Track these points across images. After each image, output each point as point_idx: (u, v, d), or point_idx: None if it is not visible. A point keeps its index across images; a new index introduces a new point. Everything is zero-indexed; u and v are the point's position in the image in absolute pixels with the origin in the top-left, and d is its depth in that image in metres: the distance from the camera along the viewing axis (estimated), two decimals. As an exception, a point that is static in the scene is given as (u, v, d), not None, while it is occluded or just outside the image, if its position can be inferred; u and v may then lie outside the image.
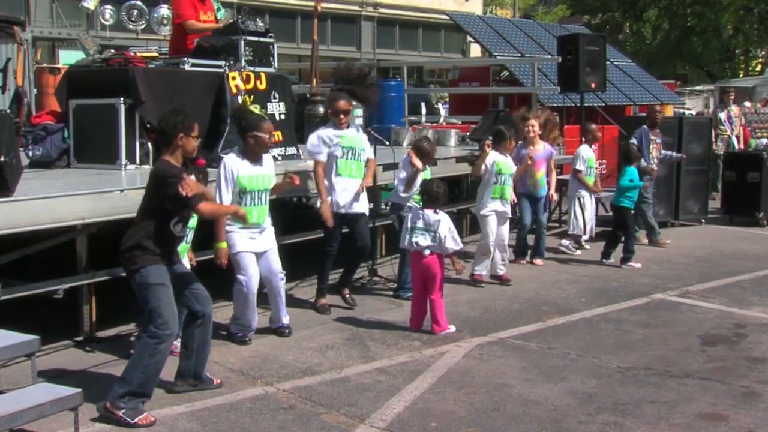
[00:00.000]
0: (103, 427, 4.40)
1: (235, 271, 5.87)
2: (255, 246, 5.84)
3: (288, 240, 6.96)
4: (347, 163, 6.63)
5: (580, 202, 9.10)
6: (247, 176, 5.71)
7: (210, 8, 7.85)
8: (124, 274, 5.64)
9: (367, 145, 6.91)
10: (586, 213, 9.14)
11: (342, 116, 6.63)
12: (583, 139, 9.48)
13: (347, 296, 6.97)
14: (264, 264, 5.92)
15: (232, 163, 5.73)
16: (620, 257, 8.63)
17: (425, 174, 7.09)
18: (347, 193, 6.64)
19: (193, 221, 5.35)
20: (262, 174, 5.81)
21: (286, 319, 6.17)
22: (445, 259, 6.36)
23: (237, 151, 5.85)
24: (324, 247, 6.80)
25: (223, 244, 5.68)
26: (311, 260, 7.82)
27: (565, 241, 9.27)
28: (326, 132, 6.66)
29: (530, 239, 8.74)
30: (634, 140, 9.56)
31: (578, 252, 9.19)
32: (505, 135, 7.75)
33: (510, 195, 7.79)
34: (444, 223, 6.20)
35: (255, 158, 5.77)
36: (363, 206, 6.81)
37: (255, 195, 5.75)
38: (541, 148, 8.62)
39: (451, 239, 6.20)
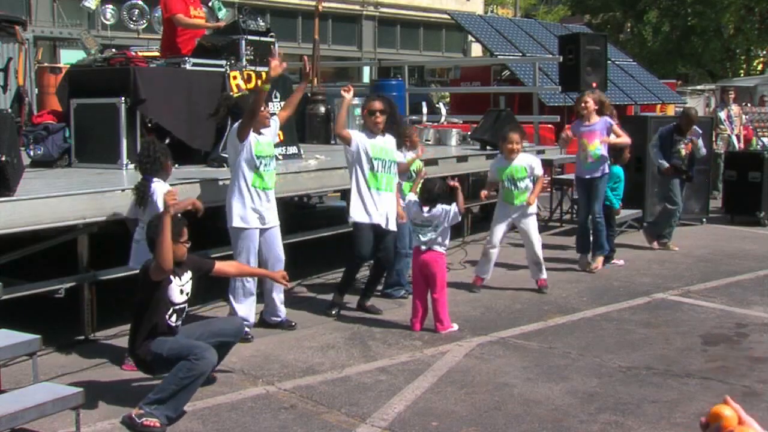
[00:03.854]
0: (105, 426, 4.41)
1: (235, 257, 5.90)
2: (259, 221, 5.90)
3: (289, 240, 6.95)
4: (377, 176, 6.48)
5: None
6: (264, 143, 5.90)
7: (199, 4, 7.84)
8: (120, 275, 5.71)
9: (398, 155, 6.73)
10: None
11: (378, 115, 6.49)
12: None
13: (371, 307, 6.78)
14: (266, 245, 5.98)
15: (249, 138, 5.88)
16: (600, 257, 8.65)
17: (415, 164, 7.10)
18: (381, 206, 6.50)
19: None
20: (268, 142, 6.00)
21: (284, 312, 6.23)
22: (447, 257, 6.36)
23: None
24: (353, 252, 6.58)
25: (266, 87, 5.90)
26: (312, 260, 7.83)
27: None
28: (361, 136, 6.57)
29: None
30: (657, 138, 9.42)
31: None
32: (505, 137, 7.48)
33: (519, 197, 7.33)
34: (439, 208, 6.18)
35: (261, 128, 5.99)
36: (393, 224, 6.61)
37: (267, 161, 5.92)
38: (595, 120, 8.14)
39: (449, 209, 6.19)
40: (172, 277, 4.54)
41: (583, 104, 8.22)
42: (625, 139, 8.27)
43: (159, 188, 5.18)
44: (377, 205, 6.48)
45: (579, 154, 8.32)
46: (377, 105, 6.55)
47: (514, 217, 7.46)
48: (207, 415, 4.56)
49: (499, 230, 7.50)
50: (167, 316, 4.54)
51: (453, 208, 6.19)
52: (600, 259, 8.33)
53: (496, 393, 4.94)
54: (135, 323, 4.62)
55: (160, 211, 5.11)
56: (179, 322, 4.66)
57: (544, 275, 7.51)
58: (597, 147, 8.11)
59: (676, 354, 5.73)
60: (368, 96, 7.11)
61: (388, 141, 6.63)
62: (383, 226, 6.51)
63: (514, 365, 5.45)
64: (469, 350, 5.77)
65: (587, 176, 8.22)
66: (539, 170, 7.48)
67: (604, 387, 5.06)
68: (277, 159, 6.34)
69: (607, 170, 8.23)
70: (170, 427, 4.38)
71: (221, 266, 4.99)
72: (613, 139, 8.13)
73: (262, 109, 5.92)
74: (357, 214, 6.48)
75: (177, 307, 4.60)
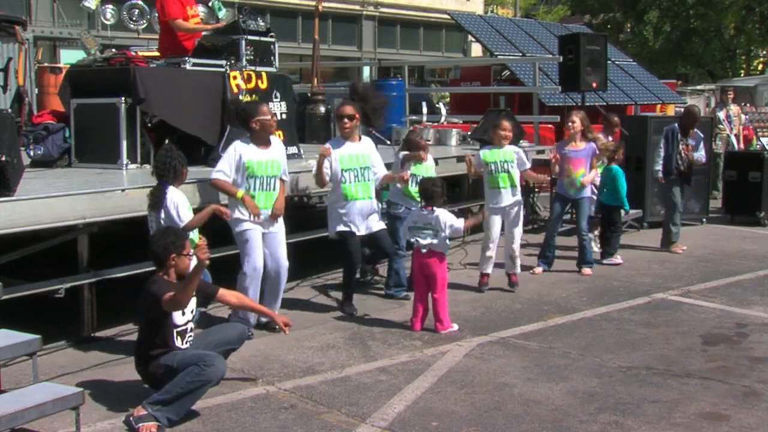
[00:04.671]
0: (105, 426, 4.41)
1: (240, 259, 5.89)
2: (262, 226, 5.92)
3: (290, 240, 6.94)
4: (348, 188, 6.47)
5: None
6: (256, 161, 5.80)
7: (194, 2, 7.84)
8: (120, 275, 5.72)
9: (375, 157, 6.66)
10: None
11: (346, 120, 6.49)
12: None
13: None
14: (269, 248, 5.98)
15: (241, 148, 5.81)
16: (602, 251, 8.70)
17: (422, 170, 7.12)
18: (361, 215, 6.53)
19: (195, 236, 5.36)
20: (272, 159, 5.91)
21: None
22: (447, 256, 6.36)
23: (245, 139, 5.92)
24: (345, 261, 6.64)
25: (240, 192, 5.77)
26: (312, 260, 7.82)
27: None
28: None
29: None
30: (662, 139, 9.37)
31: (597, 249, 9.00)
32: (496, 125, 7.56)
33: (508, 180, 7.34)
34: (442, 216, 6.19)
35: (263, 144, 5.88)
36: (379, 224, 6.69)
37: (264, 180, 5.85)
38: (582, 146, 8.13)
39: (452, 223, 6.19)
40: None
41: (570, 123, 8.23)
42: (594, 175, 8.28)
43: (171, 196, 5.28)
44: (353, 215, 6.49)
45: (563, 177, 8.27)
46: (347, 110, 6.52)
47: (505, 207, 7.41)
48: (207, 415, 4.56)
49: (495, 223, 7.44)
50: (173, 338, 4.53)
51: (458, 223, 6.20)
52: (588, 270, 8.22)
53: (496, 393, 4.94)
54: (141, 344, 4.61)
55: (176, 221, 5.14)
56: (186, 345, 4.63)
57: (518, 270, 7.54)
58: (581, 174, 8.12)
59: (676, 354, 5.74)
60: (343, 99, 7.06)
61: (362, 146, 6.59)
62: (364, 233, 6.56)
63: (514, 365, 5.46)
64: (469, 350, 5.77)
65: (572, 198, 8.28)
66: (527, 161, 7.63)
67: (604, 387, 5.06)
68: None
69: (590, 192, 8.29)
70: (170, 427, 4.38)
71: (224, 294, 4.98)
72: (590, 176, 8.16)
73: (266, 117, 5.84)
74: (335, 225, 6.56)
75: (179, 328, 4.58)
